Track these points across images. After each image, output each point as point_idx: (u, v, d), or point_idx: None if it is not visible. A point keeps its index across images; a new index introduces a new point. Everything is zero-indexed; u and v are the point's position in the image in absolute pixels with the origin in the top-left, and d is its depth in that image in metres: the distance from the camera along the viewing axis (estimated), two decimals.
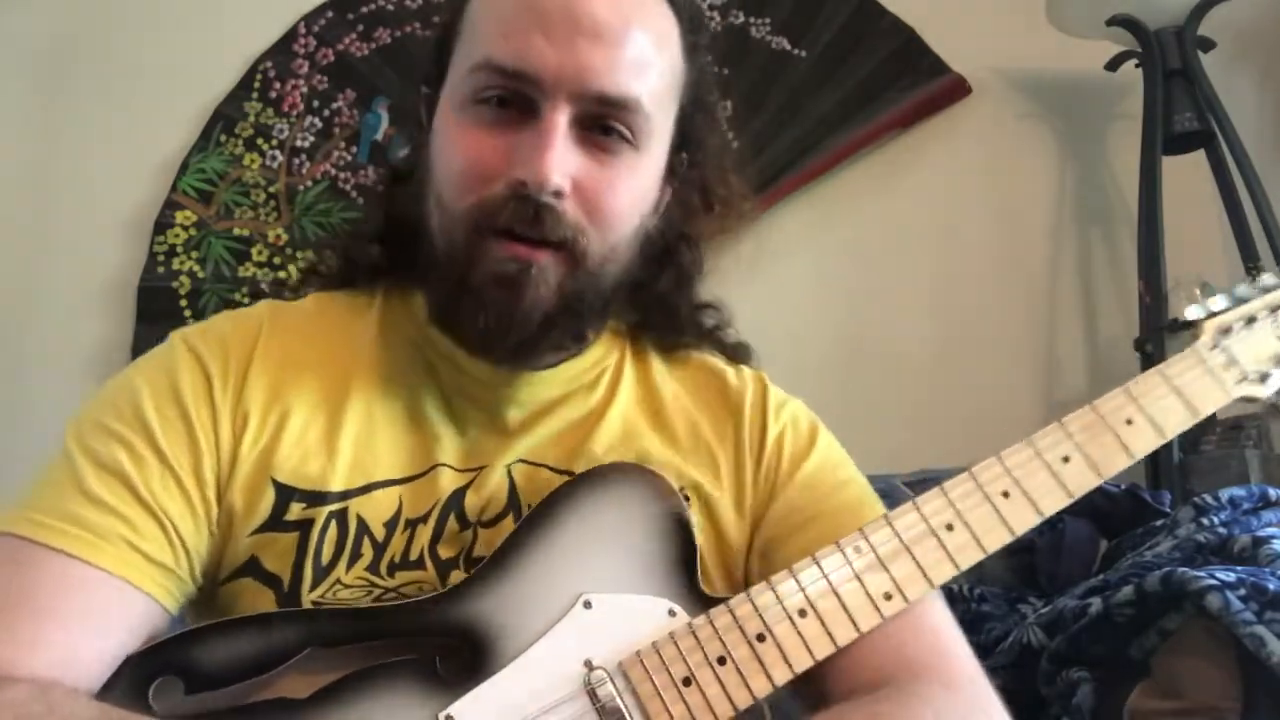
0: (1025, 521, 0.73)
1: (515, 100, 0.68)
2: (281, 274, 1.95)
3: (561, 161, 0.67)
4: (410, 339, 0.77)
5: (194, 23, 2.06)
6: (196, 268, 1.94)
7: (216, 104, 2.01)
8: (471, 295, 0.69)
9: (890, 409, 1.84)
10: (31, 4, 2.06)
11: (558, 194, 0.67)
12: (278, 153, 2.00)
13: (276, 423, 0.71)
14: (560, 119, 0.67)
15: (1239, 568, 0.95)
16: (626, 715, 0.63)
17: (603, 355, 0.81)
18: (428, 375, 0.76)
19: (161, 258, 1.94)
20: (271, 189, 1.99)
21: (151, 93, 2.03)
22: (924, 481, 1.40)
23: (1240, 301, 0.87)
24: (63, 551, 0.62)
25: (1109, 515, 1.32)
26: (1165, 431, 0.77)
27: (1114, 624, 0.98)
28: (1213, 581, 0.90)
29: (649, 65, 0.70)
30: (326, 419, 0.72)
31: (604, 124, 0.69)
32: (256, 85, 2.02)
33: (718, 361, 0.85)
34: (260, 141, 2.00)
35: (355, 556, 0.70)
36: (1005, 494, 0.73)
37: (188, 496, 0.67)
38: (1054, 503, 0.74)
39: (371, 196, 1.83)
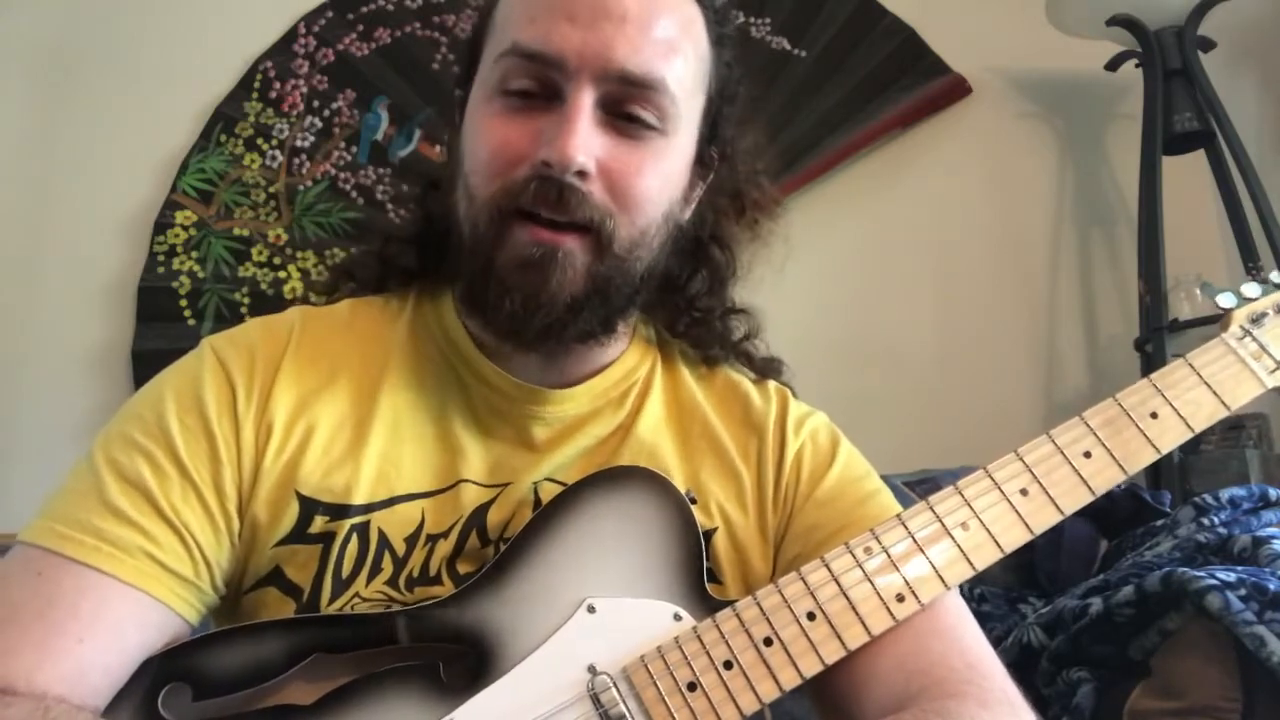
0: (1045, 520, 0.71)
1: (541, 87, 0.69)
2: (281, 274, 1.95)
3: (586, 142, 0.66)
4: (440, 350, 0.76)
5: (194, 23, 2.06)
6: (196, 268, 1.94)
7: (216, 104, 2.01)
8: (497, 280, 0.69)
9: (890, 409, 1.84)
10: (31, 4, 2.06)
11: (582, 174, 0.67)
12: (278, 153, 2.00)
13: (302, 435, 0.70)
14: (585, 100, 0.67)
15: (1239, 568, 0.95)
16: None
17: (632, 368, 0.80)
18: (456, 388, 0.75)
19: (161, 258, 1.94)
20: (271, 189, 1.99)
21: (151, 93, 2.03)
22: (924, 481, 1.40)
23: (1274, 289, 0.83)
24: (82, 563, 0.62)
25: (1109, 515, 1.32)
26: (1194, 425, 0.74)
27: (1114, 624, 0.98)
28: (1213, 581, 0.90)
29: (674, 49, 0.70)
30: (353, 431, 0.72)
31: (630, 107, 0.69)
32: (256, 85, 2.02)
33: (743, 378, 0.84)
34: (260, 141, 2.00)
35: (375, 570, 0.70)
36: (1023, 491, 0.71)
37: (208, 509, 0.67)
38: (1075, 500, 0.71)
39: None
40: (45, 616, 0.61)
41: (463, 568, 0.71)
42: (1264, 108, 1.97)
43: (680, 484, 0.75)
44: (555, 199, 0.67)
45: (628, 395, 0.79)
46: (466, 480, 0.73)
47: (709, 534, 0.75)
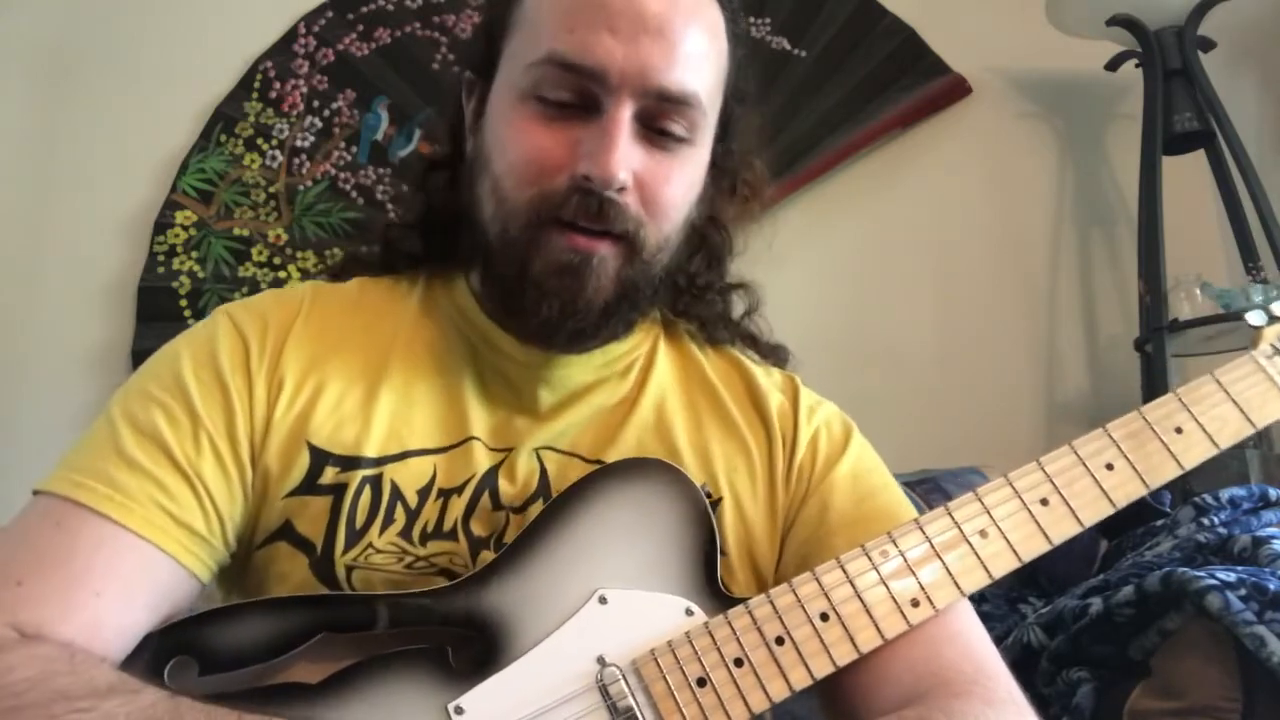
0: (1064, 531, 0.71)
1: (579, 97, 0.69)
2: (281, 274, 1.95)
3: (626, 157, 0.68)
4: (450, 319, 0.78)
5: (194, 23, 2.06)
6: (196, 268, 1.94)
7: (216, 104, 2.00)
8: (534, 286, 0.70)
9: (890, 409, 1.84)
10: (31, 4, 2.06)
11: (621, 189, 0.68)
12: (278, 153, 2.00)
13: (313, 390, 0.72)
14: (625, 115, 0.68)
15: (1239, 568, 0.95)
16: (638, 713, 0.62)
17: (636, 343, 0.81)
18: (465, 353, 0.77)
19: (161, 258, 1.94)
20: (271, 189, 1.98)
21: (151, 93, 2.02)
22: (924, 481, 1.40)
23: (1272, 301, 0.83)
24: (97, 512, 0.64)
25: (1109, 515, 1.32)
26: (1219, 441, 0.74)
27: (1114, 624, 0.98)
28: (1213, 581, 0.91)
29: (704, 60, 0.72)
30: (364, 389, 0.73)
31: (664, 122, 0.70)
32: (256, 85, 2.02)
33: (748, 360, 0.85)
34: (260, 141, 2.00)
35: (388, 521, 0.71)
36: (1044, 501, 0.71)
37: (220, 459, 0.69)
38: (1096, 512, 0.71)
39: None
40: (65, 567, 0.62)
41: (476, 528, 0.72)
42: (1264, 108, 1.97)
43: (689, 456, 0.76)
44: (596, 211, 0.68)
45: (631, 369, 0.80)
46: (475, 438, 0.74)
47: (715, 504, 0.76)
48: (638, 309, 0.75)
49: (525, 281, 0.70)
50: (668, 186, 0.71)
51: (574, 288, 0.69)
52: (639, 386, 0.80)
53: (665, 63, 0.68)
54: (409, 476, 0.72)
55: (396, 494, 0.71)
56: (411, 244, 0.83)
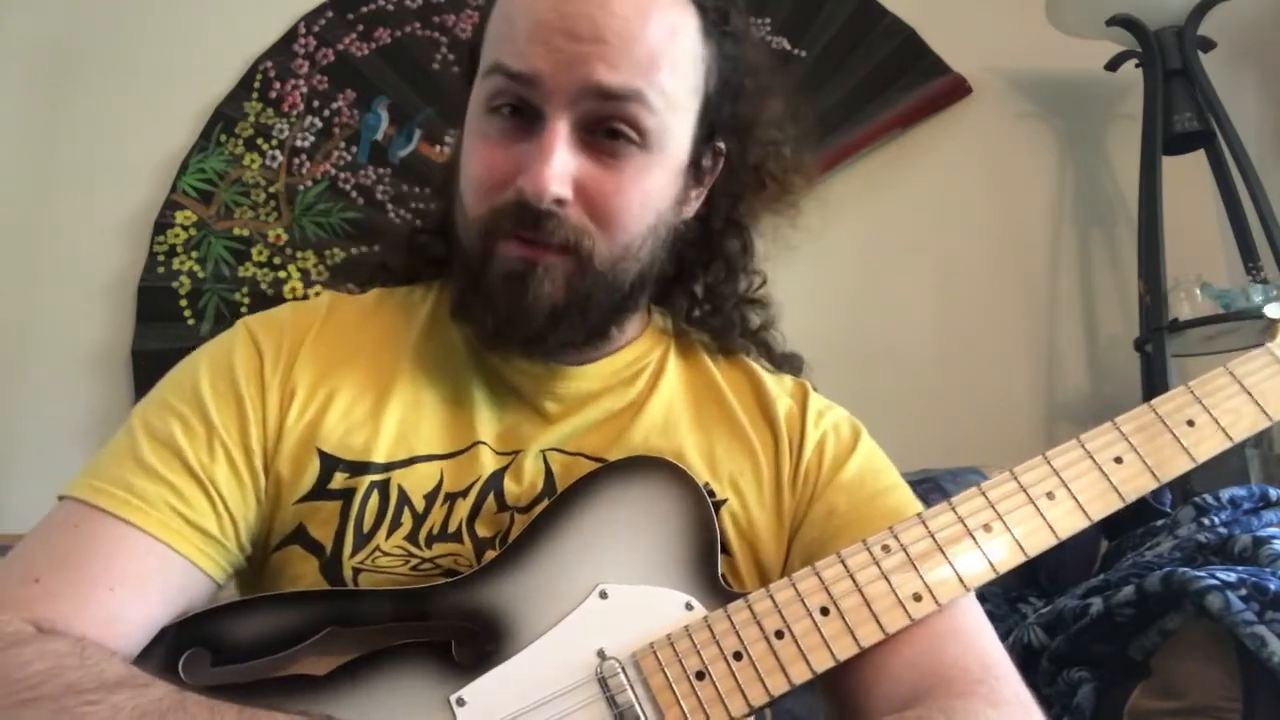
0: (1071, 525, 0.69)
1: (524, 108, 0.70)
2: (281, 274, 1.95)
3: (561, 171, 0.68)
4: (460, 331, 0.79)
5: (194, 23, 2.06)
6: (196, 268, 1.94)
7: (216, 104, 2.00)
8: (483, 295, 0.72)
9: (890, 409, 1.83)
10: (31, 4, 2.06)
11: (559, 202, 0.68)
12: (278, 153, 2.00)
13: (324, 398, 0.74)
14: (560, 126, 0.68)
15: (1239, 568, 0.95)
16: (637, 706, 0.63)
17: (644, 352, 0.82)
18: (473, 365, 0.78)
19: (161, 258, 1.94)
20: (271, 189, 1.98)
21: (151, 93, 2.03)
22: (924, 481, 1.40)
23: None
24: (114, 516, 0.67)
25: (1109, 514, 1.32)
26: (1233, 434, 0.72)
27: (1114, 624, 0.98)
28: (1213, 581, 0.91)
29: (655, 61, 0.69)
30: (373, 397, 0.75)
31: (608, 124, 0.69)
32: (256, 85, 2.02)
33: (759, 367, 0.85)
34: (260, 141, 2.00)
35: (395, 525, 0.72)
36: (1050, 495, 0.70)
37: (234, 465, 0.71)
38: (1105, 506, 0.69)
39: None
40: (83, 567, 0.65)
41: (481, 529, 0.73)
42: (1264, 108, 1.97)
43: (694, 458, 0.77)
44: (533, 223, 0.69)
45: (639, 375, 0.81)
46: (482, 442, 0.75)
47: (719, 505, 0.76)
48: (595, 317, 0.74)
49: (477, 291, 0.72)
50: (617, 197, 0.70)
51: (518, 294, 0.70)
52: (648, 391, 0.80)
53: (604, 64, 0.67)
54: (416, 481, 0.73)
55: (404, 499, 0.72)
56: (436, 249, 0.85)
